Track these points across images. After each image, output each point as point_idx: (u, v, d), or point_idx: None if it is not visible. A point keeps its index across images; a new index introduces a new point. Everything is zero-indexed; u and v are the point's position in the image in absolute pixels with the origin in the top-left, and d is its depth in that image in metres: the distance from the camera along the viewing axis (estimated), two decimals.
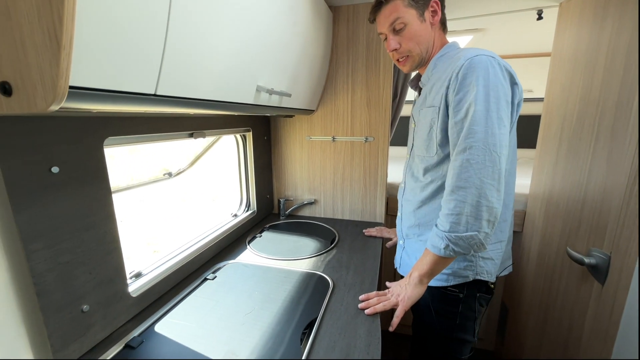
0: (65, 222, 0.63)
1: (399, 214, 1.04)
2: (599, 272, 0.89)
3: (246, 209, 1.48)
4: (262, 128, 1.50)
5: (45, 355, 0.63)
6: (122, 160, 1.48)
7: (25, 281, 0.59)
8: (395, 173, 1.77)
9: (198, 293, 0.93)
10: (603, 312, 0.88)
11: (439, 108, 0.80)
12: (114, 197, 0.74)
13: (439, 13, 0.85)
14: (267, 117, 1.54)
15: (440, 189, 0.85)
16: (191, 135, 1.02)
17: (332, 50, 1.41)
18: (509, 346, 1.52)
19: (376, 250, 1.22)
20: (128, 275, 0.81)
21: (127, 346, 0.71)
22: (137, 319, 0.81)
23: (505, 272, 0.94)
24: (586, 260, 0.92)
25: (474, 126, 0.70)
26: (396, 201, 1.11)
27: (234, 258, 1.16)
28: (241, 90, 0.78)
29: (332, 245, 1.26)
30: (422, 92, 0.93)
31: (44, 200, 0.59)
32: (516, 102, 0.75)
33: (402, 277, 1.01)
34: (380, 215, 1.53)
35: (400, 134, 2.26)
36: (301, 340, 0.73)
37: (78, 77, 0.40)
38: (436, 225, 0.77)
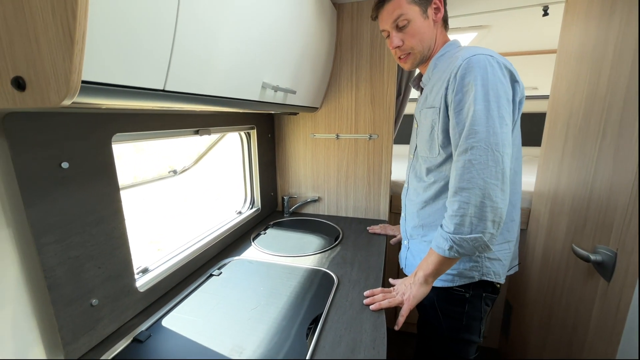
0: (75, 217, 0.63)
1: (402, 214, 1.04)
2: (605, 269, 0.89)
3: (250, 206, 1.49)
4: (266, 126, 1.50)
5: (55, 348, 0.64)
6: (128, 159, 1.49)
7: (37, 275, 0.60)
8: (398, 171, 1.77)
9: (204, 289, 0.94)
10: (609, 309, 0.87)
11: (439, 109, 0.79)
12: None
13: (442, 10, 0.85)
14: (271, 114, 1.55)
15: (443, 189, 0.85)
16: (197, 133, 1.03)
17: (336, 48, 1.41)
18: (513, 344, 1.52)
19: (380, 247, 1.22)
20: (135, 271, 0.82)
21: (135, 340, 0.72)
22: (144, 314, 0.82)
23: (511, 272, 0.93)
24: (592, 257, 0.91)
25: (475, 126, 0.69)
26: (399, 199, 1.11)
27: (238, 254, 1.17)
28: (247, 86, 0.79)
29: (336, 242, 1.26)
30: (423, 92, 0.93)
31: (55, 194, 0.59)
32: (517, 99, 0.75)
33: (406, 276, 1.01)
34: (384, 212, 1.53)
35: (403, 132, 2.26)
36: (307, 335, 0.74)
37: (90, 72, 0.40)
38: (441, 226, 0.76)
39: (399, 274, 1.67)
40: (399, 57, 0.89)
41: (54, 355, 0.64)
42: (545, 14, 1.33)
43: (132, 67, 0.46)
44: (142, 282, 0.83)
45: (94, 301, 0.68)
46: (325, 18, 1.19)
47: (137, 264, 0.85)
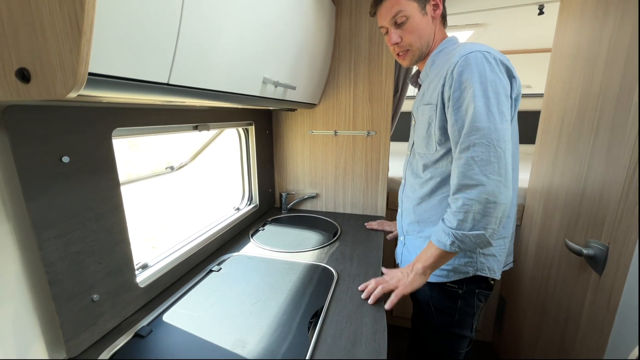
0: (76, 211, 0.63)
1: (399, 210, 1.05)
2: (597, 262, 0.92)
3: (248, 202, 1.49)
4: (264, 122, 1.50)
5: (57, 344, 0.64)
6: (122, 155, 1.47)
7: (37, 270, 0.59)
8: (394, 168, 1.78)
9: (204, 284, 0.94)
10: (600, 301, 0.90)
11: (436, 106, 0.80)
12: None
13: (441, 6, 0.85)
14: (269, 111, 1.54)
15: (439, 185, 0.85)
16: (196, 128, 1.02)
17: (335, 44, 1.41)
18: (507, 337, 1.55)
19: (378, 243, 1.23)
20: (135, 267, 0.82)
21: (137, 335, 0.72)
22: (145, 309, 0.81)
23: (506, 268, 0.94)
24: (584, 251, 0.94)
25: (476, 123, 0.69)
26: (396, 195, 1.12)
27: (237, 250, 1.17)
28: (248, 81, 0.79)
29: (335, 238, 1.27)
30: (421, 89, 0.93)
31: (55, 189, 0.59)
32: (514, 95, 0.76)
33: None
34: (381, 208, 1.55)
35: (399, 130, 2.27)
36: (308, 328, 0.75)
37: (96, 64, 0.40)
38: (443, 221, 0.77)
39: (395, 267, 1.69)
40: (398, 54, 0.89)
41: (56, 350, 0.64)
42: (541, 12, 1.36)
43: (138, 60, 0.46)
44: (142, 278, 0.83)
45: (95, 297, 0.68)
46: (324, 14, 1.19)
47: (136, 260, 0.84)
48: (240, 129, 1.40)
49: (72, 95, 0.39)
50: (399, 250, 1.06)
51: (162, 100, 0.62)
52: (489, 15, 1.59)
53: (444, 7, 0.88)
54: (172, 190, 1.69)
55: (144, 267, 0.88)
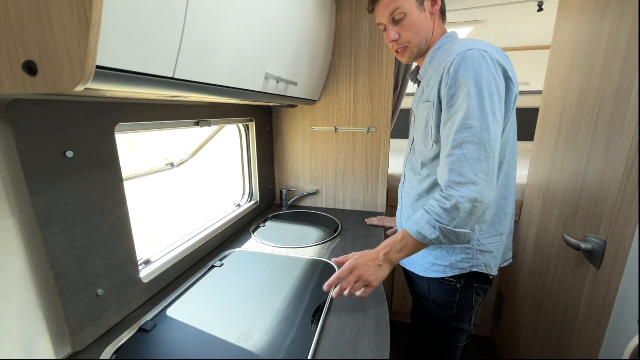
0: (80, 206, 0.63)
1: (398, 206, 1.06)
2: (595, 256, 0.93)
3: (249, 199, 1.49)
4: (264, 118, 1.50)
5: (62, 338, 0.64)
6: (119, 154, 1.47)
7: (42, 264, 0.59)
8: (393, 165, 1.79)
9: (206, 279, 0.94)
10: (598, 295, 0.91)
11: (434, 103, 0.80)
12: None
13: (439, 2, 0.84)
14: (269, 107, 1.54)
15: (437, 182, 0.85)
16: (197, 124, 1.02)
17: (335, 40, 1.41)
18: (505, 331, 1.57)
19: (378, 239, 1.24)
20: (138, 262, 0.82)
21: (141, 329, 0.72)
22: (148, 304, 0.82)
23: (505, 264, 0.95)
24: (582, 245, 0.95)
25: (468, 120, 0.69)
26: (396, 192, 1.13)
27: (239, 246, 1.17)
28: (251, 77, 0.79)
29: (336, 233, 1.28)
30: (420, 86, 0.93)
31: (59, 184, 0.59)
32: (512, 95, 0.75)
33: (402, 268, 1.03)
34: (381, 204, 1.55)
35: (398, 126, 2.28)
36: (311, 322, 0.76)
37: (103, 57, 0.40)
38: (428, 213, 0.74)
39: None
40: (396, 51, 0.89)
41: (61, 345, 0.64)
42: (540, 9, 1.36)
43: (143, 54, 0.46)
44: (145, 273, 0.83)
45: (100, 291, 0.68)
46: (324, 10, 1.19)
47: (138, 255, 0.85)
48: (241, 125, 1.40)
49: (79, 88, 0.39)
50: None
51: (166, 95, 0.62)
52: (488, 12, 1.60)
53: (443, 2, 0.87)
54: (172, 186, 1.69)
55: (147, 262, 0.88)
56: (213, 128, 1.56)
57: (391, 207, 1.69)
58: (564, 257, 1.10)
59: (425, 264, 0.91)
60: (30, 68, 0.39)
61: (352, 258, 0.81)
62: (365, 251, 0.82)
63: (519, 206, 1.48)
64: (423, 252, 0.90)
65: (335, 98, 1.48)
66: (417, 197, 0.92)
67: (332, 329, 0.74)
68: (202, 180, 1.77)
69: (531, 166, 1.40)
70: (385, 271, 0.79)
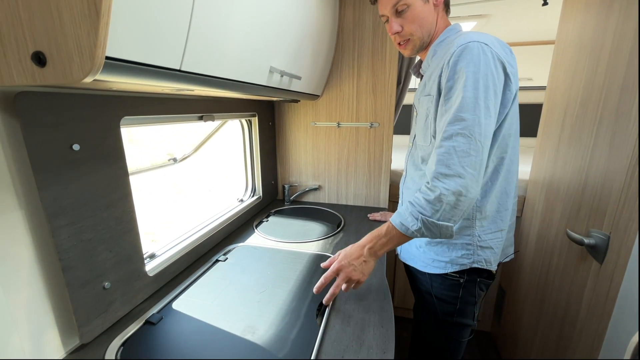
0: (87, 199, 0.63)
1: (400, 201, 1.05)
2: (598, 251, 0.93)
3: (252, 194, 1.49)
4: (267, 113, 1.50)
5: (70, 330, 0.64)
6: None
7: (50, 257, 0.60)
8: (395, 161, 1.79)
9: (211, 273, 0.95)
10: (600, 289, 0.92)
11: (434, 97, 0.78)
12: None
13: None
14: (272, 102, 1.54)
15: None
16: (201, 118, 1.02)
17: (339, 35, 1.40)
18: (506, 327, 1.58)
19: None
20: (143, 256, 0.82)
21: (148, 322, 0.73)
22: (154, 297, 0.82)
23: (507, 259, 0.94)
24: (586, 240, 0.95)
25: (461, 113, 0.69)
26: (398, 187, 1.12)
27: (243, 241, 1.18)
28: (256, 70, 0.78)
29: (339, 228, 1.28)
30: (422, 80, 0.92)
31: (67, 177, 0.59)
32: (509, 92, 0.74)
33: (403, 263, 1.03)
34: (384, 200, 1.56)
35: (400, 122, 2.27)
36: (316, 315, 0.76)
37: (111, 48, 0.40)
38: (412, 204, 0.74)
39: (396, 258, 1.71)
40: (399, 43, 0.87)
41: (69, 337, 0.64)
42: (545, 3, 1.35)
43: (152, 45, 0.45)
44: (150, 267, 0.84)
45: (107, 284, 0.68)
46: (328, 4, 1.18)
47: (143, 249, 0.85)
48: (244, 120, 1.39)
49: (89, 79, 0.39)
50: None
51: (172, 88, 0.62)
52: (492, 6, 1.58)
53: None
54: (175, 182, 1.69)
55: (152, 256, 0.88)
56: (215, 124, 1.56)
57: (394, 203, 1.69)
58: (567, 252, 1.11)
59: (426, 260, 0.91)
60: (39, 59, 0.39)
61: (337, 260, 0.81)
62: (349, 249, 0.81)
63: (522, 202, 1.48)
64: (424, 248, 0.91)
65: (338, 93, 1.47)
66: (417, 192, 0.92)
67: (337, 323, 0.74)
68: (205, 176, 1.77)
69: (534, 162, 1.40)
70: (371, 265, 0.80)
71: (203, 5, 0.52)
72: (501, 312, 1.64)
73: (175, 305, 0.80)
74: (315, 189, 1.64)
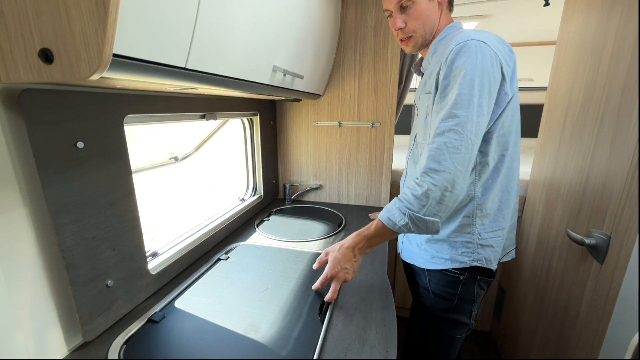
0: (90, 197, 0.63)
1: None
2: (599, 252, 0.93)
3: (253, 193, 1.49)
4: (268, 112, 1.50)
5: (73, 328, 0.64)
6: None
7: (54, 255, 0.60)
8: (396, 161, 1.79)
9: (213, 272, 0.95)
10: (601, 289, 0.92)
11: (433, 94, 0.79)
12: None
13: None
14: (273, 101, 1.54)
15: None
16: (203, 117, 1.02)
17: (340, 35, 1.40)
18: (505, 326, 1.59)
19: None
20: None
21: (150, 320, 0.73)
22: (157, 296, 0.82)
23: (507, 258, 0.94)
24: (586, 240, 0.96)
25: (455, 110, 0.69)
26: (399, 187, 1.12)
27: (244, 240, 1.18)
28: (259, 69, 0.78)
29: (340, 228, 1.28)
30: (422, 78, 0.93)
31: (71, 174, 0.59)
32: (503, 93, 0.74)
33: (404, 262, 1.02)
34: (385, 200, 1.56)
35: (399, 122, 2.28)
36: (319, 314, 0.76)
37: (118, 45, 0.40)
38: (400, 200, 0.74)
39: (396, 258, 1.72)
40: (401, 39, 0.87)
41: (72, 335, 0.64)
42: (547, 3, 1.35)
43: (158, 43, 0.46)
44: (153, 265, 0.84)
45: (109, 282, 0.68)
46: (330, 4, 1.18)
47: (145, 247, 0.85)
48: (245, 119, 1.39)
49: (96, 77, 0.39)
50: (400, 240, 1.06)
51: (176, 86, 0.62)
52: (494, 6, 1.59)
53: None
54: (177, 180, 1.69)
55: (154, 255, 0.88)
56: (216, 123, 1.56)
57: None
58: (567, 252, 1.11)
59: (425, 257, 0.91)
60: (46, 56, 0.39)
61: (328, 268, 0.82)
62: (339, 254, 0.82)
63: (522, 202, 1.48)
64: (425, 246, 0.90)
65: (340, 92, 1.47)
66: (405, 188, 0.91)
67: (339, 321, 0.74)
68: (206, 175, 1.76)
69: (535, 162, 1.40)
70: (360, 261, 0.83)
71: (209, 3, 0.52)
72: (501, 312, 1.65)
73: (177, 303, 0.80)
74: (316, 189, 1.64)
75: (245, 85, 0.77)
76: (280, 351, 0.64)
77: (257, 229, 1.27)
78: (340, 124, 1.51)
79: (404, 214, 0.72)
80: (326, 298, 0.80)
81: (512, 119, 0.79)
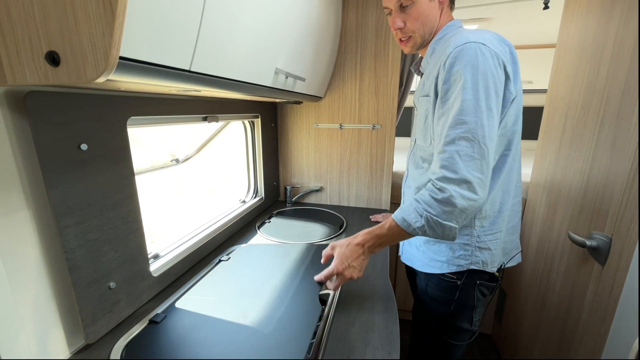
0: (93, 199, 0.63)
1: (402, 201, 1.05)
2: (600, 253, 0.94)
3: (254, 195, 1.49)
4: (269, 115, 1.50)
5: (75, 330, 0.64)
6: None
7: (57, 257, 0.60)
8: (397, 163, 1.79)
9: (214, 273, 0.95)
10: (602, 291, 0.92)
11: (432, 98, 0.77)
12: None
13: None
14: (274, 104, 1.54)
15: None
16: (205, 119, 1.02)
17: (341, 37, 1.41)
18: (507, 329, 1.59)
19: None
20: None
21: (152, 322, 0.73)
22: (158, 298, 0.82)
23: (512, 263, 0.91)
24: (588, 242, 0.96)
25: (462, 116, 0.67)
26: (399, 189, 1.12)
27: (245, 242, 1.18)
28: (261, 71, 0.79)
29: (341, 230, 1.29)
30: (421, 78, 0.91)
31: (74, 176, 0.59)
32: (508, 93, 0.72)
33: (405, 265, 1.02)
34: (385, 202, 1.56)
35: (399, 125, 2.28)
36: (320, 316, 0.76)
37: (125, 48, 0.40)
38: (417, 201, 0.71)
39: (397, 260, 1.72)
40: (400, 39, 0.85)
41: (74, 337, 0.64)
42: (546, 7, 1.36)
43: (163, 46, 0.46)
44: (155, 267, 0.83)
45: (112, 284, 0.68)
46: (331, 7, 1.19)
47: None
48: (246, 122, 1.40)
49: (102, 79, 0.39)
50: (401, 242, 1.04)
51: (180, 89, 0.62)
52: (494, 10, 1.60)
53: None
54: (178, 182, 1.69)
55: (156, 257, 0.88)
56: (217, 125, 1.56)
57: (395, 205, 1.69)
58: (568, 254, 1.11)
59: (424, 259, 0.89)
60: (53, 58, 0.39)
61: (334, 263, 0.77)
62: (346, 249, 0.78)
63: (523, 204, 1.48)
64: (423, 247, 0.89)
65: (341, 95, 1.48)
66: (417, 190, 0.90)
67: (341, 323, 0.74)
68: (207, 177, 1.77)
69: (535, 165, 1.41)
70: (367, 260, 0.79)
71: (213, 6, 0.52)
72: (502, 314, 1.64)
73: (178, 304, 0.79)
74: (317, 191, 1.64)
75: (248, 87, 0.77)
76: (282, 352, 0.64)
77: (258, 231, 1.27)
78: (341, 126, 1.52)
79: (421, 216, 0.69)
80: (327, 285, 0.78)
81: (516, 119, 0.78)
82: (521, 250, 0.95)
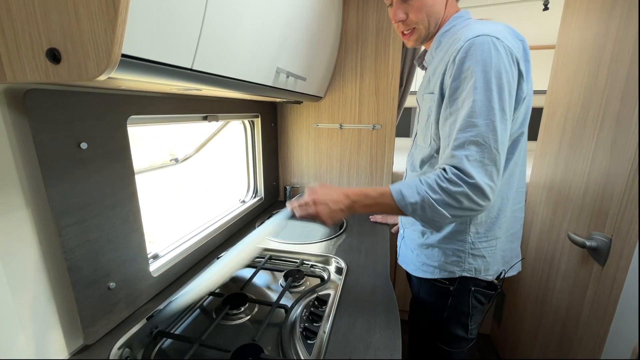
0: (93, 198, 0.62)
1: None
2: (600, 254, 0.94)
3: (254, 195, 1.49)
4: (269, 114, 1.50)
5: (74, 331, 0.63)
6: None
7: (56, 257, 0.59)
8: (397, 164, 1.79)
9: None
10: (602, 292, 0.92)
11: (437, 96, 0.71)
12: None
13: None
14: (274, 103, 1.54)
15: None
16: (205, 119, 1.02)
17: (342, 37, 1.40)
18: (506, 329, 1.59)
19: (384, 235, 1.25)
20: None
21: (151, 323, 0.72)
22: (158, 298, 0.81)
23: (512, 272, 0.88)
24: (587, 243, 0.96)
25: (473, 118, 0.61)
26: None
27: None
28: (263, 71, 0.78)
29: (342, 230, 1.28)
30: (426, 74, 0.85)
31: (74, 175, 0.58)
32: (521, 92, 0.68)
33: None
34: None
35: (399, 126, 2.28)
36: (320, 317, 0.76)
37: (128, 45, 0.40)
38: (420, 182, 0.66)
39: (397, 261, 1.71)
40: (403, 33, 0.79)
41: (73, 337, 0.64)
42: (546, 8, 1.36)
43: (165, 44, 0.45)
44: (154, 268, 0.83)
45: (112, 284, 0.67)
46: (332, 6, 1.19)
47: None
48: (246, 121, 1.39)
49: (104, 77, 0.39)
50: (399, 243, 1.03)
51: (181, 87, 0.62)
52: (493, 11, 1.60)
53: None
54: (177, 181, 1.68)
55: (155, 257, 0.87)
56: (217, 124, 1.55)
57: None
58: (568, 254, 1.11)
59: (417, 263, 0.87)
60: (54, 56, 0.38)
61: (309, 194, 0.73)
62: (330, 190, 0.72)
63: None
64: (417, 251, 0.87)
65: (341, 95, 1.48)
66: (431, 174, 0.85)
67: (343, 324, 0.74)
68: (207, 176, 1.76)
69: (534, 165, 1.41)
70: (342, 217, 0.72)
71: (216, 4, 0.52)
72: (501, 315, 1.64)
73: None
74: None
75: (249, 86, 0.77)
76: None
77: None
78: (341, 126, 1.51)
79: (419, 194, 0.64)
80: (292, 205, 0.74)
81: (523, 121, 0.73)
82: (523, 258, 0.91)
